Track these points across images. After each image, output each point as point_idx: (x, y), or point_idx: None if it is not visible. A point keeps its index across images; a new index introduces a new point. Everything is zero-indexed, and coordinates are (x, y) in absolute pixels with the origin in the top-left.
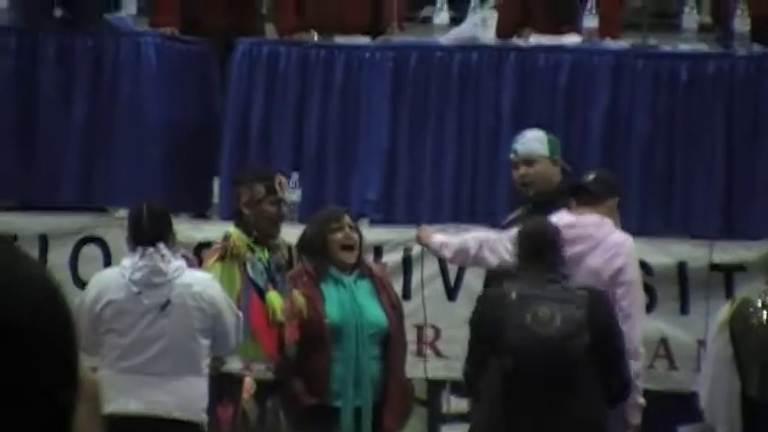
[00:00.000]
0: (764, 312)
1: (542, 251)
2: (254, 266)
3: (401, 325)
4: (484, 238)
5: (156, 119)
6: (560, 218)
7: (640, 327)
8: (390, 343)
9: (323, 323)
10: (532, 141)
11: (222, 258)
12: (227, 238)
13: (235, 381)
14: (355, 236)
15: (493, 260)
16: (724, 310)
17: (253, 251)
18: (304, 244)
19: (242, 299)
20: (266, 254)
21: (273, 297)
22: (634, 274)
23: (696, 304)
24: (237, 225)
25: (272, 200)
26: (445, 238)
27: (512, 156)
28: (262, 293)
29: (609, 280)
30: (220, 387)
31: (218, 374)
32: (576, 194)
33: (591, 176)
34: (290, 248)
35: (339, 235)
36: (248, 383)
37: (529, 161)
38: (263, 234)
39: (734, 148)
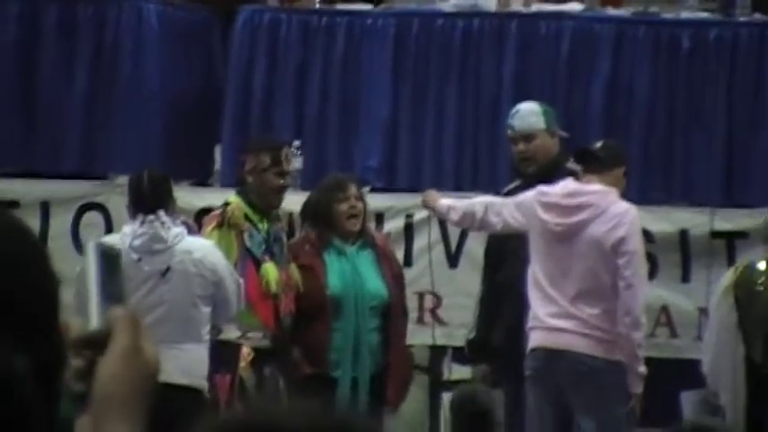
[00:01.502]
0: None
1: None
2: (252, 236)
3: (402, 295)
4: (490, 203)
5: (157, 86)
6: (565, 185)
7: (642, 297)
8: (391, 314)
9: (324, 293)
10: (529, 116)
11: (220, 226)
12: (226, 205)
13: (232, 349)
14: (360, 205)
15: (498, 224)
16: (727, 276)
17: (251, 221)
18: (308, 212)
19: (238, 268)
20: (265, 224)
21: (269, 268)
22: (637, 244)
23: (697, 272)
24: (239, 193)
25: (276, 171)
26: (452, 201)
27: (509, 132)
28: (258, 263)
29: (611, 249)
30: (218, 355)
31: (216, 342)
32: (584, 161)
33: (599, 144)
34: (290, 216)
35: (344, 205)
36: (245, 351)
37: (527, 136)
38: (264, 204)
39: (735, 116)
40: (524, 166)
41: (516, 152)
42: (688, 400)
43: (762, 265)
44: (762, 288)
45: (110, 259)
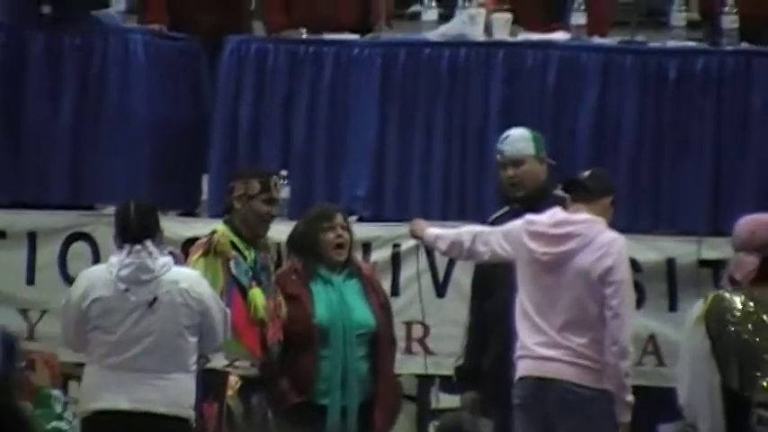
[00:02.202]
0: (738, 304)
1: None
2: (239, 264)
3: (390, 325)
4: (478, 232)
5: (144, 116)
6: (553, 214)
7: (629, 326)
8: (378, 343)
9: (311, 323)
10: (518, 141)
11: (206, 254)
12: (212, 233)
13: (219, 377)
14: (347, 235)
15: (486, 253)
16: (697, 306)
17: (238, 249)
18: (294, 241)
19: (225, 296)
20: (252, 253)
21: (256, 294)
22: (624, 273)
23: (685, 301)
24: (226, 222)
25: (265, 198)
26: (439, 230)
27: (498, 157)
28: (245, 291)
29: (598, 279)
30: (205, 384)
31: (203, 371)
32: (571, 191)
33: (586, 173)
34: (278, 246)
35: (330, 234)
36: (232, 380)
37: (516, 162)
38: (251, 231)
39: (722, 145)
40: (512, 192)
41: (505, 177)
42: None
43: (732, 295)
44: (730, 317)
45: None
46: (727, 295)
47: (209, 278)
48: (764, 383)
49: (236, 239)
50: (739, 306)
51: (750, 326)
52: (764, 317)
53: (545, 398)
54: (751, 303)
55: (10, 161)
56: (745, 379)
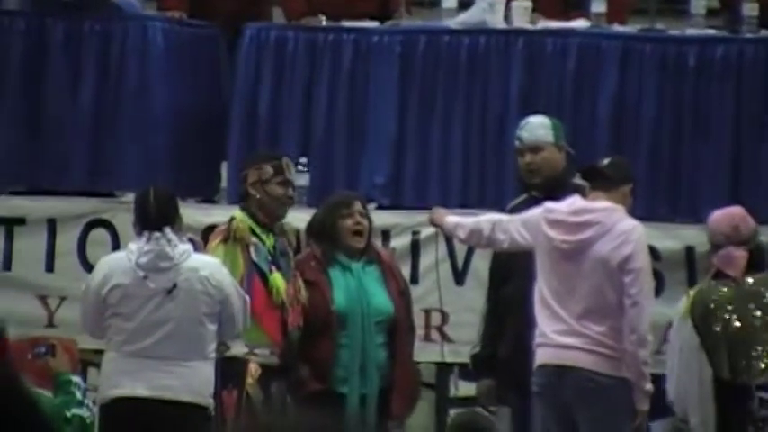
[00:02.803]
0: (725, 295)
1: None
2: (258, 250)
3: (409, 311)
4: (497, 220)
5: (163, 103)
6: (572, 202)
7: (648, 315)
8: (397, 330)
9: (329, 309)
10: (538, 128)
11: (225, 241)
12: (231, 220)
13: (239, 365)
14: (365, 222)
15: (505, 241)
16: (682, 302)
17: (256, 234)
18: (313, 228)
19: (245, 282)
20: (271, 238)
21: (277, 278)
22: (643, 261)
23: None
24: (243, 208)
25: (280, 180)
26: (459, 219)
27: (517, 143)
28: (265, 277)
29: (617, 267)
30: (225, 371)
31: (223, 359)
32: (591, 179)
33: (606, 161)
34: (297, 234)
35: (349, 221)
36: (252, 368)
37: (535, 148)
38: (269, 215)
39: (741, 133)
40: (530, 178)
41: (523, 164)
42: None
43: (715, 288)
44: (719, 306)
45: None
46: (712, 287)
47: (229, 264)
48: (762, 365)
49: (253, 225)
50: (727, 297)
51: (738, 315)
52: (752, 305)
53: (564, 386)
54: (738, 293)
55: (29, 148)
56: (737, 366)
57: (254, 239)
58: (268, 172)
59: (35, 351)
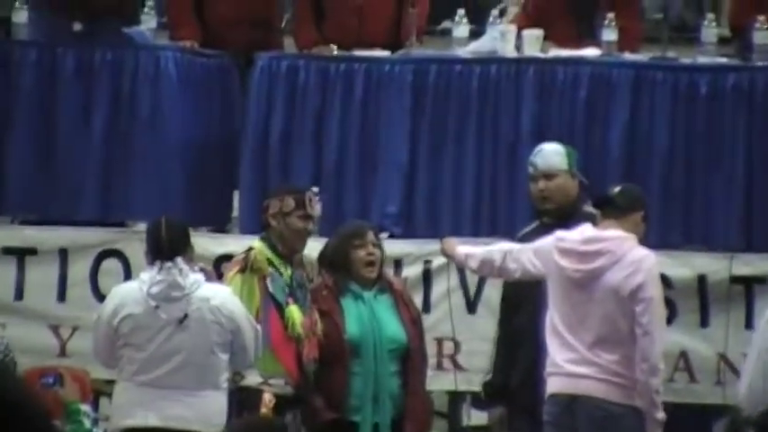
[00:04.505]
0: None
1: None
2: (275, 281)
3: (422, 340)
4: (508, 249)
5: (175, 133)
6: (583, 231)
7: (660, 344)
8: (410, 359)
9: (342, 338)
10: (552, 155)
11: (243, 271)
12: (249, 251)
13: (253, 395)
14: (378, 252)
15: (516, 270)
16: None
17: (274, 266)
18: (326, 258)
19: (261, 313)
20: (289, 270)
21: (293, 310)
22: (654, 290)
23: (716, 317)
24: (262, 239)
25: (301, 214)
26: (470, 249)
27: (530, 169)
28: (281, 308)
29: (628, 297)
30: (240, 401)
31: (238, 388)
32: (602, 207)
33: (617, 189)
34: (312, 269)
35: (362, 252)
36: (267, 398)
37: (548, 175)
38: (287, 248)
39: (754, 161)
40: (542, 205)
41: (536, 190)
42: (720, 429)
43: None
44: None
45: None
46: None
47: (246, 295)
48: None
49: (272, 256)
50: None
51: None
52: None
53: (575, 415)
54: None
55: (41, 178)
56: None
57: (270, 270)
58: (290, 204)
59: (42, 381)
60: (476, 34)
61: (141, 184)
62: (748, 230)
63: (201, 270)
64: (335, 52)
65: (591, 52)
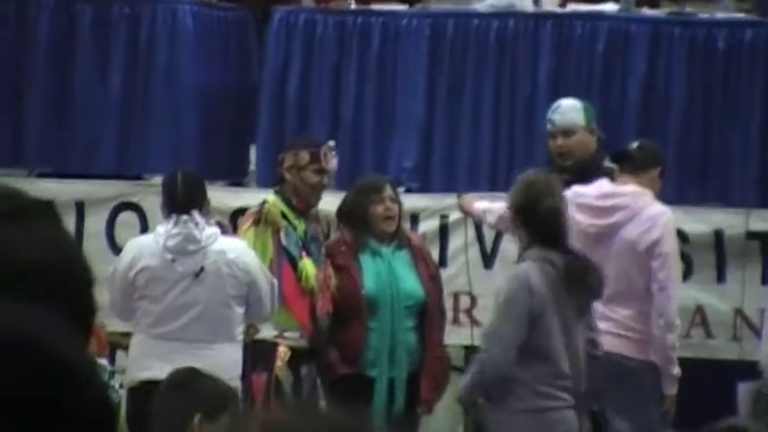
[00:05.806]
0: None
1: None
2: (289, 235)
3: (439, 296)
4: None
5: (192, 86)
6: (600, 186)
7: (675, 299)
8: (427, 315)
9: (359, 294)
10: (570, 111)
11: (256, 224)
12: (263, 204)
13: (268, 348)
14: (396, 207)
15: None
16: None
17: (288, 219)
18: (343, 213)
19: (275, 266)
20: (303, 224)
21: (307, 264)
22: (670, 246)
23: (732, 272)
24: (277, 192)
25: (315, 168)
26: (487, 204)
27: (548, 126)
28: (295, 262)
29: (644, 252)
30: (254, 354)
31: (252, 342)
32: (620, 162)
33: (635, 145)
34: (327, 219)
35: (380, 207)
36: (282, 351)
37: (567, 131)
38: (302, 202)
39: None
40: (561, 161)
41: (554, 147)
42: (744, 392)
43: None
44: None
45: None
46: None
47: (259, 248)
48: None
49: (286, 210)
50: None
51: None
52: None
53: (591, 369)
54: None
55: (58, 131)
56: None
57: (284, 223)
58: (304, 158)
59: None
60: None
61: (158, 138)
62: (765, 186)
63: (218, 224)
64: (353, 6)
65: (609, 7)
